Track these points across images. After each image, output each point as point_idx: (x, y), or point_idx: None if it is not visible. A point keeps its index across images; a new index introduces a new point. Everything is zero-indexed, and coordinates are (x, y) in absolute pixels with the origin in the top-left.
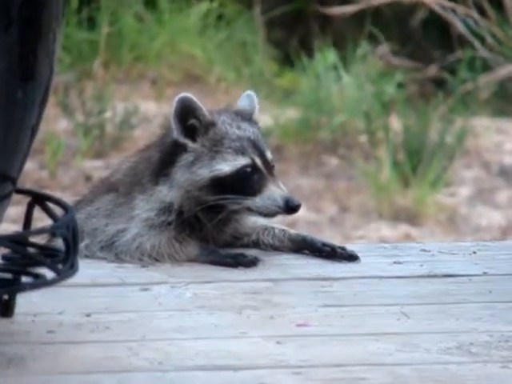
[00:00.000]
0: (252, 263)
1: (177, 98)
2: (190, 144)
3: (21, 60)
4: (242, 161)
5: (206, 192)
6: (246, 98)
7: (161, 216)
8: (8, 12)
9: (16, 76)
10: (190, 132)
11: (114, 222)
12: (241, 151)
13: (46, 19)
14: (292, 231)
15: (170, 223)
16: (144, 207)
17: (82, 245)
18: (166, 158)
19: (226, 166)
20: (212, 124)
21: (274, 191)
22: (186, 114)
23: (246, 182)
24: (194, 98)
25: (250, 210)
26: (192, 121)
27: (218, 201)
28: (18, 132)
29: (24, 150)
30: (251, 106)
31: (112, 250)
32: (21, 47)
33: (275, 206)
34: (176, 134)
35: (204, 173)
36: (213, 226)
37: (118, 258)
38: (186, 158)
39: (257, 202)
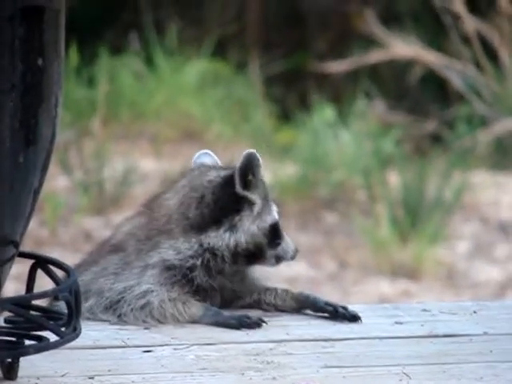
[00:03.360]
0: (256, 325)
1: (245, 154)
2: (252, 196)
3: (23, 125)
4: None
5: (265, 238)
6: (204, 156)
7: (183, 263)
8: (10, 78)
9: (18, 140)
10: (247, 186)
11: (122, 279)
12: (275, 202)
13: (47, 84)
14: (294, 291)
15: (183, 278)
16: (169, 251)
17: (86, 305)
18: (224, 208)
19: (276, 214)
20: (261, 180)
21: (287, 237)
22: (248, 169)
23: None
24: (258, 155)
25: (279, 260)
26: (250, 176)
27: (275, 246)
28: (21, 196)
29: (27, 214)
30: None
31: (116, 311)
32: (23, 112)
33: (292, 251)
34: (238, 188)
35: (268, 219)
36: (220, 283)
37: (121, 319)
38: (252, 207)
39: (284, 247)
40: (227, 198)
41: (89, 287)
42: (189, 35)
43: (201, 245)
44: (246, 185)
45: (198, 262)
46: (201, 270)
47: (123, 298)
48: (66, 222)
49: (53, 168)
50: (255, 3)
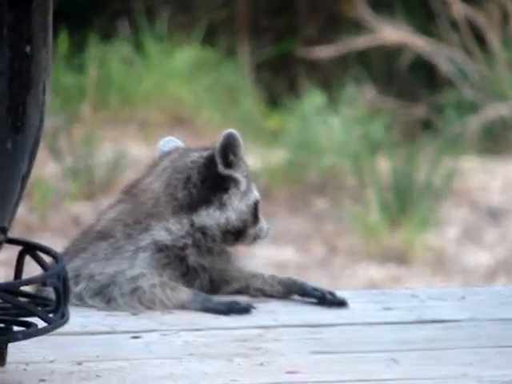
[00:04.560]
0: (246, 310)
1: (224, 134)
2: (236, 174)
3: (10, 111)
4: None
5: (250, 217)
6: (170, 143)
7: (175, 243)
8: None
9: (6, 127)
10: (229, 165)
11: (113, 263)
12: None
13: (35, 71)
14: (281, 276)
15: (175, 259)
16: (160, 232)
17: (76, 289)
18: (211, 187)
19: (257, 192)
20: (242, 159)
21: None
22: (228, 149)
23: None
24: (238, 135)
25: (256, 238)
26: (231, 156)
27: (256, 224)
28: (9, 182)
29: (15, 200)
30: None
31: (106, 295)
32: (10, 99)
33: (266, 229)
34: (220, 167)
35: (252, 197)
36: (206, 266)
37: (109, 305)
38: (238, 186)
39: (261, 226)
40: (213, 178)
41: (79, 272)
42: (178, 21)
43: (192, 224)
44: (228, 164)
45: (190, 242)
46: (192, 250)
47: (114, 281)
48: (55, 208)
49: (42, 154)
50: None
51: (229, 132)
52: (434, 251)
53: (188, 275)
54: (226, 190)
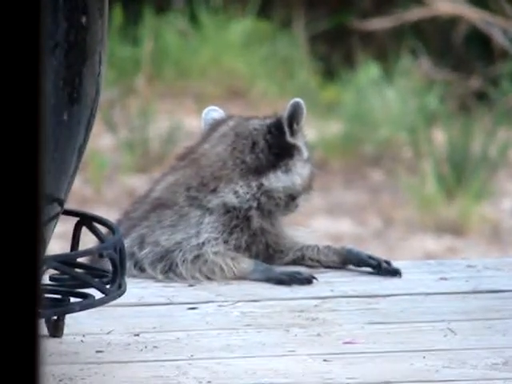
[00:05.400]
0: (307, 281)
1: (292, 103)
2: (299, 143)
3: (67, 83)
4: None
5: (309, 184)
6: (213, 112)
7: (242, 205)
8: (54, 36)
9: (62, 99)
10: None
11: (180, 229)
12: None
13: (91, 42)
14: (336, 246)
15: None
16: (229, 194)
17: (141, 253)
18: (277, 153)
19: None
20: (302, 127)
21: None
22: (294, 118)
23: None
24: (303, 104)
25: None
26: (295, 125)
27: (309, 192)
28: (65, 154)
29: (71, 172)
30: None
31: (168, 261)
32: (66, 70)
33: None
34: (288, 136)
35: (310, 166)
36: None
37: (168, 274)
38: (301, 153)
39: (309, 196)
40: (279, 144)
41: (143, 238)
42: None
43: (259, 187)
44: (292, 133)
45: (255, 204)
46: (256, 211)
47: (179, 247)
48: (110, 180)
49: (97, 126)
50: None
51: (296, 101)
52: (490, 223)
53: (250, 238)
54: (291, 156)
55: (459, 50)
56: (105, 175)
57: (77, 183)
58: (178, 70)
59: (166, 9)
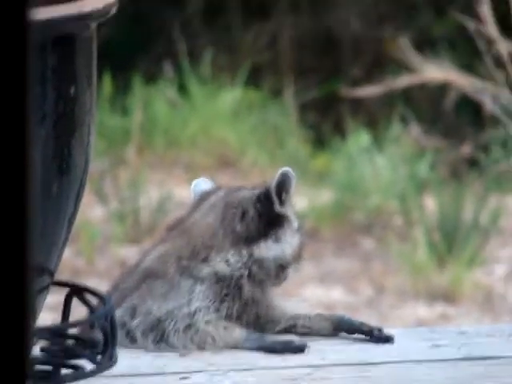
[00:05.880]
0: (300, 349)
1: (280, 172)
2: (289, 212)
3: (55, 154)
4: None
5: (299, 253)
6: (202, 183)
7: (233, 273)
8: (42, 107)
9: (51, 169)
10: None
11: (171, 297)
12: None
13: (79, 113)
14: (327, 313)
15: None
16: (220, 263)
17: (132, 323)
18: (267, 222)
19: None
20: (291, 197)
21: None
22: (283, 187)
23: None
24: (293, 173)
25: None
26: (284, 194)
27: (299, 262)
28: (55, 225)
29: (61, 243)
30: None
31: (160, 330)
32: (55, 141)
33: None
34: (276, 206)
35: (301, 235)
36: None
37: (160, 343)
38: (290, 222)
39: (300, 266)
40: (269, 214)
41: (135, 308)
42: (222, 63)
43: (250, 256)
44: (281, 202)
45: (246, 273)
46: (247, 280)
47: (171, 316)
48: (102, 251)
49: (88, 197)
50: (288, 30)
51: (284, 170)
52: (482, 289)
53: (241, 307)
54: (281, 225)
55: (449, 116)
56: (96, 246)
57: (68, 254)
58: (168, 140)
59: (156, 78)
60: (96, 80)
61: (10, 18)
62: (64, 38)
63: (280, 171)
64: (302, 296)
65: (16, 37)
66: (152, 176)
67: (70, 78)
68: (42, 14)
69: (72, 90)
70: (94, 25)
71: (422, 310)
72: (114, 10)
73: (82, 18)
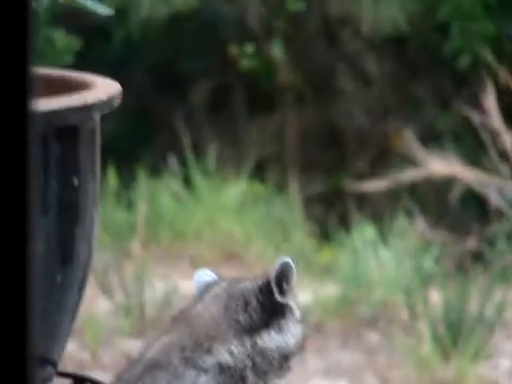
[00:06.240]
0: None
1: (281, 263)
2: (290, 302)
3: (59, 244)
4: None
5: (302, 344)
6: (205, 275)
7: (237, 364)
8: (45, 197)
9: (55, 260)
10: (283, 293)
11: None
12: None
13: (83, 204)
14: None
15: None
16: (224, 354)
17: None
18: (269, 313)
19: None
20: (292, 288)
21: None
22: (283, 277)
23: None
24: (292, 263)
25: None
26: (284, 284)
27: (301, 353)
28: (58, 316)
29: (64, 334)
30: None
31: None
32: (59, 231)
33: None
34: (278, 296)
35: (303, 326)
36: None
37: None
38: (293, 313)
39: (302, 358)
40: (271, 304)
41: None
42: (227, 155)
43: (254, 347)
44: (282, 292)
45: (250, 363)
46: (251, 371)
47: None
48: (107, 344)
49: (93, 290)
50: (293, 123)
51: (284, 261)
52: (487, 383)
53: None
54: (283, 315)
55: (455, 210)
56: (101, 339)
57: (74, 347)
58: (173, 233)
59: (160, 171)
60: (99, 171)
61: (11, 109)
62: (68, 128)
63: (279, 261)
64: None
65: (17, 128)
66: (157, 269)
67: (73, 169)
68: (46, 104)
69: (75, 181)
70: (97, 116)
71: None
72: (117, 102)
73: (86, 110)
